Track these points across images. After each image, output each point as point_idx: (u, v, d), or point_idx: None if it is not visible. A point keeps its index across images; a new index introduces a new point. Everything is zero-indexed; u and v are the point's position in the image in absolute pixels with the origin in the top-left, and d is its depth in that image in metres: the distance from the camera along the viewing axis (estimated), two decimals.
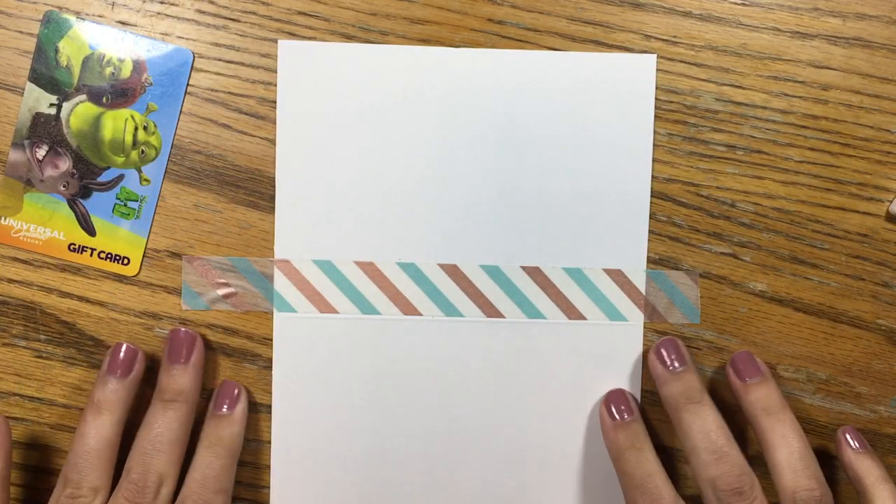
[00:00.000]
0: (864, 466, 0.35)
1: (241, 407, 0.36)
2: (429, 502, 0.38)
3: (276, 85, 0.37)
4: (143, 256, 0.37)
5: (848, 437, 0.36)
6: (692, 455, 0.34)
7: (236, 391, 0.36)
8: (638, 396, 0.38)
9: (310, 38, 0.37)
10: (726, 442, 0.34)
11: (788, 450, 0.34)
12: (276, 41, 0.36)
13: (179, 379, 0.35)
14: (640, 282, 0.37)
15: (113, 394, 0.35)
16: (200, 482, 0.34)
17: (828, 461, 0.38)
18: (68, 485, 0.33)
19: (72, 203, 0.37)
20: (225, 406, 0.36)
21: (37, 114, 0.36)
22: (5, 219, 0.37)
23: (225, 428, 0.36)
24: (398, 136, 0.37)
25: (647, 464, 0.35)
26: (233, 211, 0.37)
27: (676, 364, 0.36)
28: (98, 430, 0.34)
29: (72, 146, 0.37)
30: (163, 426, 0.34)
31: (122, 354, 0.35)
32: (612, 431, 0.36)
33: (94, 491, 0.34)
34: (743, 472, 0.33)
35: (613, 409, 0.36)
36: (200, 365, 0.36)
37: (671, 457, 0.38)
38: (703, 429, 0.34)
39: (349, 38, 0.37)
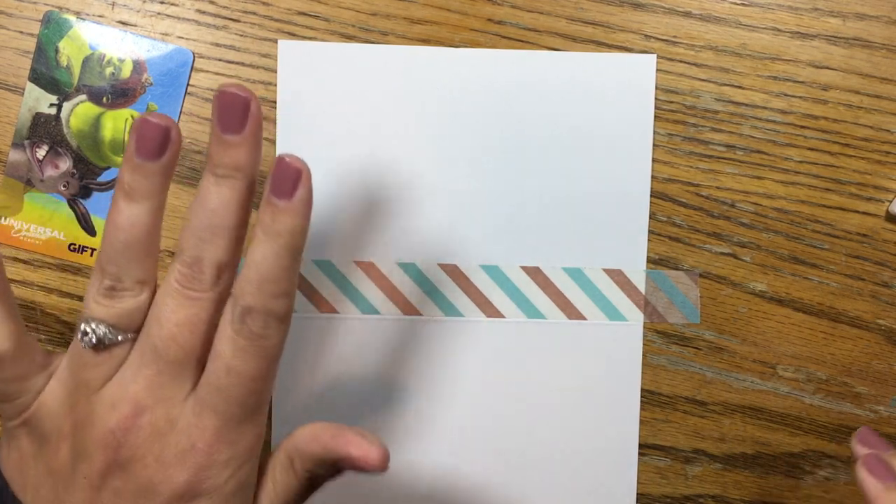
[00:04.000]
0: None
1: (302, 194, 0.28)
2: (429, 502, 0.38)
3: (276, 85, 0.37)
4: None
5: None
6: None
7: (295, 170, 0.28)
8: (637, 396, 0.38)
9: (310, 38, 0.37)
10: None
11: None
12: (276, 41, 0.37)
13: (234, 151, 0.28)
14: (640, 282, 0.37)
15: (145, 178, 0.28)
16: (257, 282, 0.28)
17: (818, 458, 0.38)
18: (106, 276, 0.28)
19: (72, 203, 0.37)
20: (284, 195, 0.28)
21: (37, 114, 0.36)
22: (5, 219, 0.37)
23: (286, 218, 0.28)
24: (398, 136, 0.37)
25: None
26: None
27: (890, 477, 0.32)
28: (133, 219, 0.28)
29: (72, 146, 0.37)
30: (217, 204, 0.28)
31: (151, 132, 0.28)
32: (884, 496, 0.32)
33: (141, 285, 0.29)
34: None
35: (875, 471, 0.32)
36: (258, 136, 0.28)
37: (672, 456, 0.38)
38: None
39: (349, 38, 0.37)
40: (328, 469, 0.32)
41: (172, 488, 0.29)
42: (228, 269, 0.29)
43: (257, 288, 0.28)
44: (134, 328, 0.29)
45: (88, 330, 0.29)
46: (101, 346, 0.29)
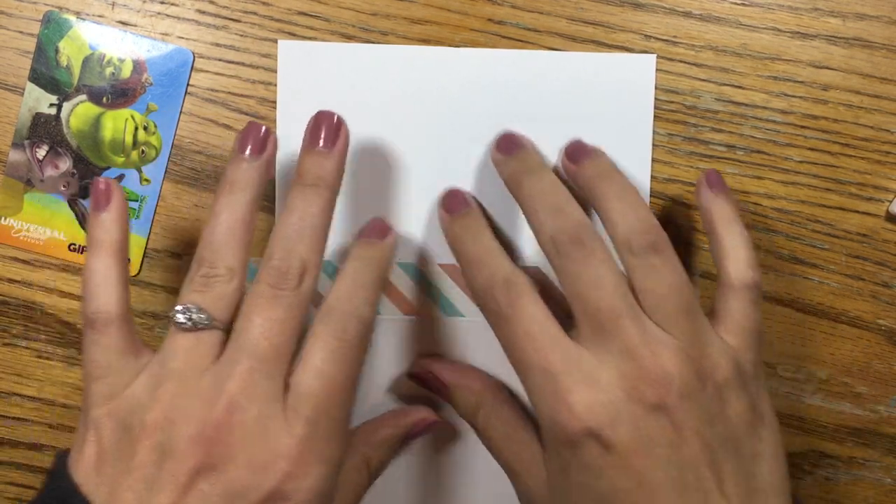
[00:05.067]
0: (717, 206, 0.34)
1: (391, 239, 0.33)
2: (430, 502, 0.38)
3: (276, 85, 0.37)
4: (143, 256, 0.37)
5: (706, 178, 0.34)
6: (531, 218, 0.33)
7: (386, 225, 0.34)
8: None
9: (310, 38, 0.37)
10: (565, 199, 0.32)
11: (621, 203, 0.32)
12: (276, 41, 0.37)
13: (323, 162, 0.32)
14: None
15: (245, 172, 0.32)
16: (350, 289, 0.31)
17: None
18: (203, 265, 0.31)
19: (72, 203, 0.37)
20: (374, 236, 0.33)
21: (37, 114, 0.36)
22: (5, 219, 0.37)
23: (376, 249, 0.33)
24: (398, 136, 0.37)
25: (484, 243, 0.33)
26: None
27: (512, 147, 0.35)
28: (231, 209, 0.31)
29: (72, 146, 0.37)
30: (304, 211, 0.31)
31: (254, 133, 0.32)
32: (449, 224, 0.35)
33: (231, 271, 0.31)
34: (582, 224, 0.31)
35: (450, 205, 0.35)
36: (345, 153, 0.33)
37: None
38: (540, 190, 0.33)
39: (349, 38, 0.37)
40: (397, 450, 0.35)
41: (260, 494, 0.28)
42: (312, 271, 0.31)
43: (351, 293, 0.31)
44: (223, 318, 0.31)
45: (181, 312, 0.30)
46: (193, 327, 0.30)
